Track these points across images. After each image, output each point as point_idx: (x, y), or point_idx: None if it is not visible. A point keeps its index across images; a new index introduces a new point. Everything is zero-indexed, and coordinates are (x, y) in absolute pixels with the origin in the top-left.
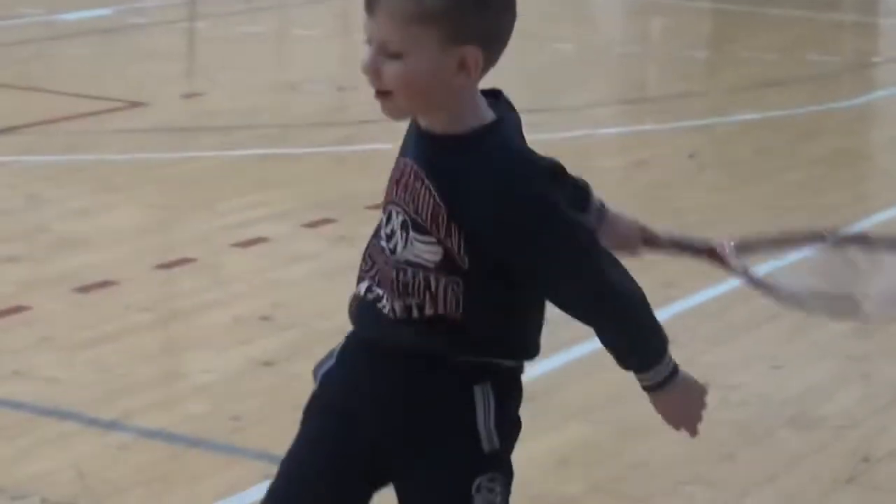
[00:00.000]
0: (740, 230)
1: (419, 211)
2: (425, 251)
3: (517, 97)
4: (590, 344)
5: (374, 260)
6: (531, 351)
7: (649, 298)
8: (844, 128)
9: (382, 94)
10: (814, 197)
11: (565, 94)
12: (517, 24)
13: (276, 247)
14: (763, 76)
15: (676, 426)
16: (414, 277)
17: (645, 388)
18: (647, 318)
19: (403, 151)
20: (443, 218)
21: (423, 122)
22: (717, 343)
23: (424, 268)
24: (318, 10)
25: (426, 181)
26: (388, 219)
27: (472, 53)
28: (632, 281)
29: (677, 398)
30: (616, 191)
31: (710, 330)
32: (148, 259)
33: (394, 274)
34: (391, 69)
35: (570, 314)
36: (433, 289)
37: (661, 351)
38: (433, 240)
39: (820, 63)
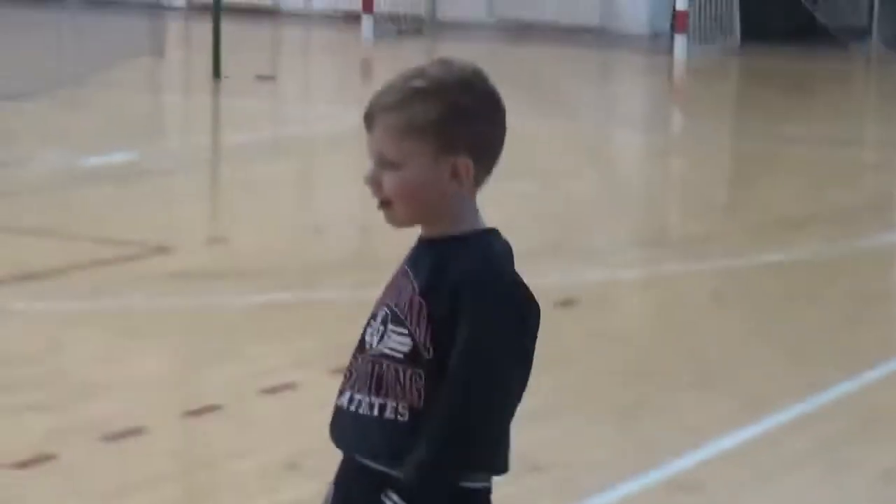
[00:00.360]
0: (764, 374)
1: (399, 303)
2: (397, 342)
3: (537, 238)
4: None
5: (354, 369)
6: (495, 464)
7: (674, 443)
8: (868, 267)
9: (384, 204)
10: (838, 339)
11: (586, 236)
12: (537, 164)
13: (302, 393)
14: (784, 216)
15: None
16: (386, 370)
17: None
18: (461, 464)
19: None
20: (417, 305)
21: (423, 232)
22: (745, 490)
23: (395, 360)
24: (341, 153)
25: (410, 274)
26: (374, 319)
27: (464, 163)
28: (493, 445)
29: None
30: (637, 333)
31: (737, 476)
32: (174, 406)
33: (369, 368)
34: (390, 180)
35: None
36: (401, 380)
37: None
38: (406, 331)
39: (841, 202)
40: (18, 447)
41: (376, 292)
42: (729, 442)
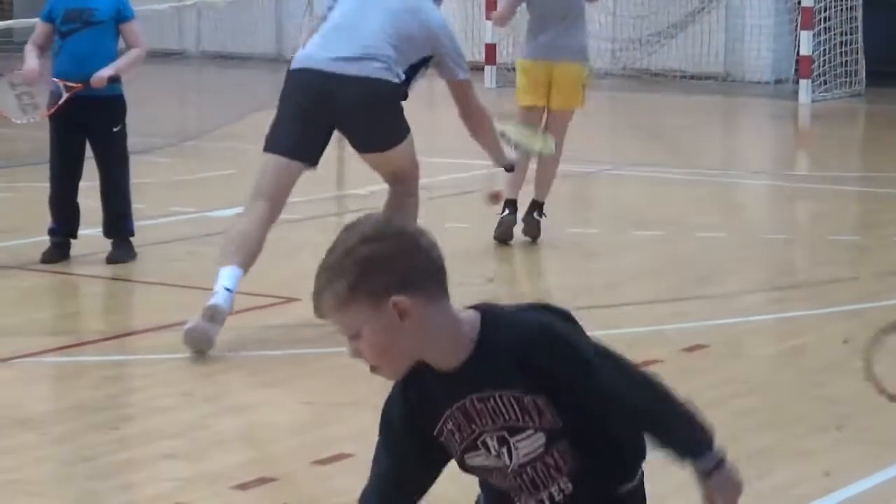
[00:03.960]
0: None
1: (507, 418)
2: (530, 444)
3: (667, 286)
4: None
5: (496, 489)
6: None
7: (809, 487)
8: None
9: (372, 369)
10: None
11: (715, 282)
12: (665, 211)
13: None
14: None
15: None
16: (535, 470)
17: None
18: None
19: (436, 408)
20: (531, 403)
21: (441, 367)
22: None
23: (539, 455)
24: (465, 203)
25: (494, 392)
26: (485, 449)
27: (400, 302)
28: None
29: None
30: (770, 378)
31: None
32: (305, 455)
33: (518, 481)
34: (362, 348)
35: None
36: (554, 463)
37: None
38: (531, 430)
39: None
40: (153, 496)
41: None
42: (864, 486)
